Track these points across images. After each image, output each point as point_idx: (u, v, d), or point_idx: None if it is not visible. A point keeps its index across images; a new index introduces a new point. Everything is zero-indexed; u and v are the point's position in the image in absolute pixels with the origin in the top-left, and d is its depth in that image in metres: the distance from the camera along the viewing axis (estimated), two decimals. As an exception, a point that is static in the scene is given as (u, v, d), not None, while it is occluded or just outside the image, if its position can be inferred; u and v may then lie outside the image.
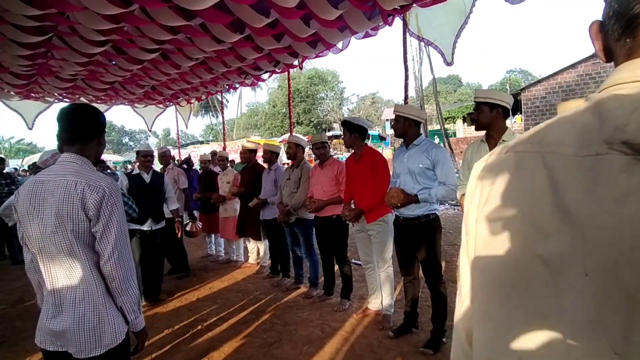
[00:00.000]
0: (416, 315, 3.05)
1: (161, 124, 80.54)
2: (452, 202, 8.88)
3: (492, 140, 2.37)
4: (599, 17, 0.58)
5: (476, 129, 2.46)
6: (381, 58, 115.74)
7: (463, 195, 2.26)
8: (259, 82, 8.11)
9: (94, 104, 6.93)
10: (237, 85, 7.77)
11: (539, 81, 23.18)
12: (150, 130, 10.51)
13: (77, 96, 7.25)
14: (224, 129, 9.42)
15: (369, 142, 24.61)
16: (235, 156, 10.54)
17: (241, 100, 42.97)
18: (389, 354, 2.76)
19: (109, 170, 9.39)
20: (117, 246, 1.36)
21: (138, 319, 1.45)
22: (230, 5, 3.53)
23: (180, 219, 4.37)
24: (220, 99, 9.42)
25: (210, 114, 42.02)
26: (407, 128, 2.81)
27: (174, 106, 9.44)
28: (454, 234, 6.26)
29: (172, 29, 3.92)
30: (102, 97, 7.53)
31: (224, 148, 7.91)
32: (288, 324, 3.37)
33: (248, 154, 4.91)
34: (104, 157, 10.59)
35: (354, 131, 3.28)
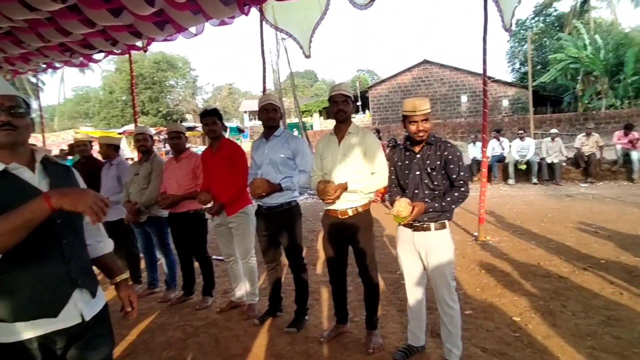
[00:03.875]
0: (280, 299, 3.18)
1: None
2: (312, 192, 9.46)
3: (341, 132, 2.61)
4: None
5: (340, 122, 2.58)
6: (238, 48, 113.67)
7: (319, 182, 2.47)
8: (91, 63, 6.92)
9: None
10: (60, 65, 6.44)
11: (383, 81, 26.92)
12: None
13: None
14: (41, 119, 7.75)
15: (227, 134, 24.10)
16: (57, 151, 8.79)
17: (64, 84, 35.85)
18: (255, 340, 2.81)
19: None
20: None
21: None
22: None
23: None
24: (34, 80, 7.71)
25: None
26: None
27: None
28: (313, 221, 6.69)
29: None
30: None
31: (44, 141, 6.52)
32: (143, 332, 3.06)
33: (82, 147, 4.16)
34: None
35: (221, 120, 3.25)
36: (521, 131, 9.59)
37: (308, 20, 4.58)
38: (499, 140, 9.72)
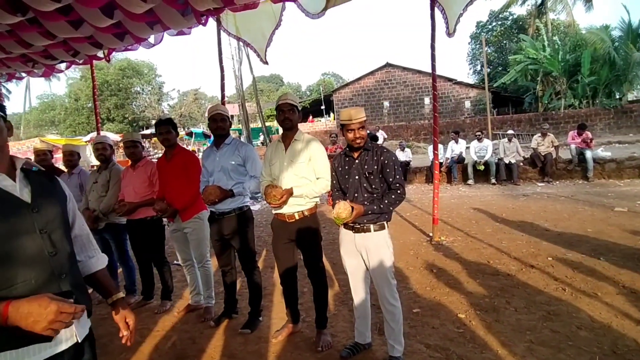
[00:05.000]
0: (235, 301, 3.28)
1: None
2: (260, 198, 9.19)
3: (287, 139, 2.76)
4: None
5: (287, 129, 2.73)
6: (203, 54, 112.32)
7: (267, 186, 2.60)
8: (55, 73, 6.81)
9: None
10: (23, 75, 6.35)
11: (347, 84, 27.36)
12: None
13: None
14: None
15: (192, 140, 23.43)
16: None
17: (29, 92, 34.42)
18: (210, 341, 2.90)
19: None
20: None
21: None
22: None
23: None
24: (-2, 88, 7.44)
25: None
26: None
27: None
28: (262, 227, 6.63)
29: None
30: None
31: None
32: (101, 337, 3.07)
33: (42, 156, 4.12)
34: None
35: (175, 129, 3.34)
36: (479, 132, 9.95)
37: (264, 29, 4.75)
38: (457, 141, 10.06)
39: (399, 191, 2.39)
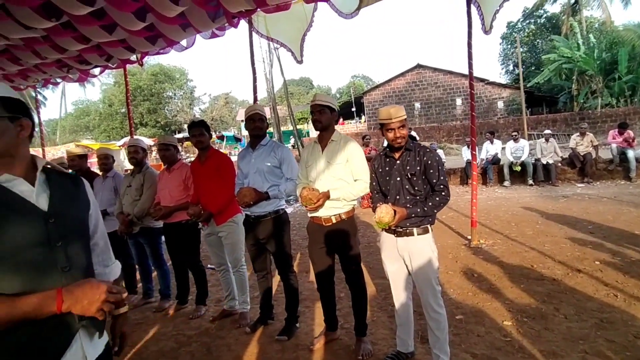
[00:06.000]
0: (271, 307, 3.20)
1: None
2: (293, 201, 9.14)
3: (324, 140, 2.66)
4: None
5: (318, 130, 2.67)
6: (233, 57, 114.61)
7: (303, 188, 2.51)
8: (89, 78, 7.03)
9: None
10: (59, 81, 6.59)
11: (377, 86, 27.20)
12: None
13: None
14: (41, 133, 7.84)
15: (224, 143, 23.94)
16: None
17: (65, 98, 36.08)
18: (245, 348, 2.83)
19: None
20: None
21: None
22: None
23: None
24: (34, 95, 7.80)
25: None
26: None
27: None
28: (296, 230, 6.64)
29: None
30: None
31: (44, 155, 6.58)
32: (136, 343, 3.08)
33: (77, 160, 4.16)
34: None
35: (209, 131, 3.32)
36: (515, 133, 9.60)
37: (296, 30, 4.74)
38: (492, 142, 9.76)
39: (443, 193, 2.27)
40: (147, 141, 16.38)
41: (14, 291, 0.98)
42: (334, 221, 2.57)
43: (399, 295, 2.46)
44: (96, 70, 6.10)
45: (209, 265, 4.31)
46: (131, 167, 3.90)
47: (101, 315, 1.02)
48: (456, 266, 4.16)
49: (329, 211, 2.55)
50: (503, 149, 9.82)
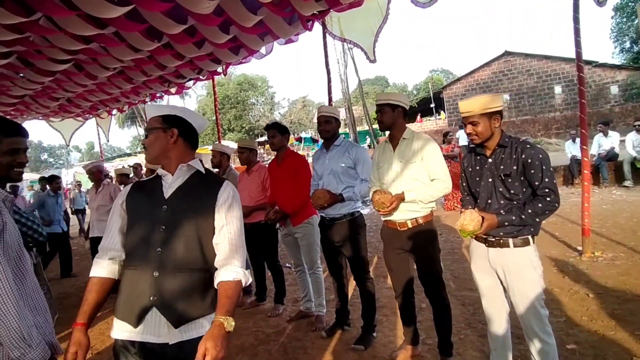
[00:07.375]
0: (347, 312, 3.10)
1: (84, 138, 74.26)
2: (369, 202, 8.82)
3: (394, 139, 2.48)
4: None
5: (381, 130, 2.56)
6: (308, 61, 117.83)
7: (375, 192, 2.36)
8: (185, 90, 7.90)
9: None
10: (162, 94, 7.46)
11: (459, 79, 25.37)
12: (68, 145, 9.97)
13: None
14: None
15: (302, 145, 24.71)
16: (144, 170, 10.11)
17: (170, 110, 40.98)
18: (321, 354, 2.77)
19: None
20: None
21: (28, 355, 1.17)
22: (143, 13, 3.34)
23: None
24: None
25: (137, 124, 39.38)
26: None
27: (94, 118, 8.92)
28: (373, 232, 6.40)
29: (84, 37, 3.61)
30: (12, 112, 6.90)
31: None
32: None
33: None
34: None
35: (285, 132, 3.37)
36: (638, 122, 7.98)
37: (371, 26, 4.67)
38: (605, 134, 8.31)
39: (548, 198, 1.85)
40: (234, 145, 17.54)
41: (127, 258, 1.36)
42: (410, 226, 2.37)
43: (493, 315, 2.11)
44: (190, 83, 6.73)
45: (286, 265, 4.38)
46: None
47: None
48: (564, 283, 3.56)
49: (404, 214, 2.36)
50: (622, 141, 8.26)
